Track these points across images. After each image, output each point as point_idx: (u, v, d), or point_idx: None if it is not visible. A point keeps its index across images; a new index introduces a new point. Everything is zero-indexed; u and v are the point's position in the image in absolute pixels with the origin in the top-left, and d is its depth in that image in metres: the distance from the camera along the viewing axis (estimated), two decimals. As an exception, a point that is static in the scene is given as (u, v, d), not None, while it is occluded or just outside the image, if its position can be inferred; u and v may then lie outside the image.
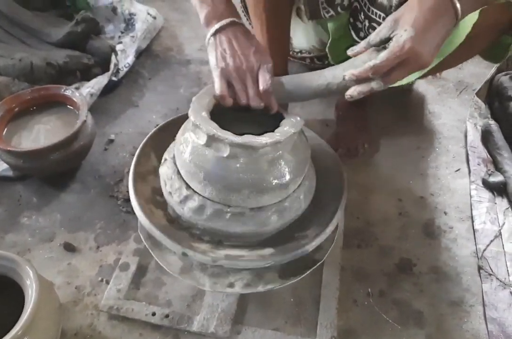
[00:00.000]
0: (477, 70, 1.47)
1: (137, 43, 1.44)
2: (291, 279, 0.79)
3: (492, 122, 1.23)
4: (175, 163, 0.77)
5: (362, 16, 0.87)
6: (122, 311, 0.86)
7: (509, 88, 1.25)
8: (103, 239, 1.00)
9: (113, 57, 1.35)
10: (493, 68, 1.34)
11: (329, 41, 0.99)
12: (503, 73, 1.32)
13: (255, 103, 0.73)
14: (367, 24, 0.86)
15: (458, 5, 0.62)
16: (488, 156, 1.18)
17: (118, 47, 1.39)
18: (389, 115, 1.33)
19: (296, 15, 1.19)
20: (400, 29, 0.61)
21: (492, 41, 0.83)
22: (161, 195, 0.80)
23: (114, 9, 1.52)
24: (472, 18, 0.70)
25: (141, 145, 0.86)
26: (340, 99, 1.28)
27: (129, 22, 1.50)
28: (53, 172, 1.08)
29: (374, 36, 0.64)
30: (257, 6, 0.95)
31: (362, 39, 0.90)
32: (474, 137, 1.23)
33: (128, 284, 0.90)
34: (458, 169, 1.18)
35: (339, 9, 0.91)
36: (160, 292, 0.91)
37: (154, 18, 1.53)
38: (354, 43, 0.93)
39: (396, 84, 0.68)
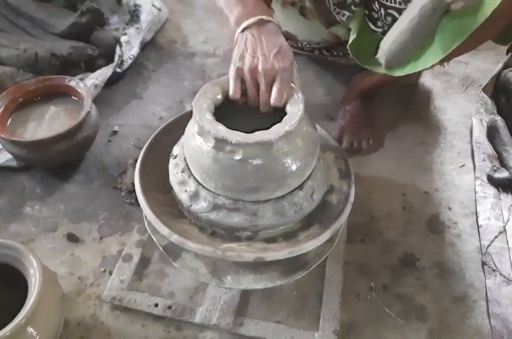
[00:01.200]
0: (484, 66, 1.46)
1: (141, 35, 1.43)
2: (295, 276, 0.79)
3: (498, 118, 1.22)
4: (185, 161, 0.76)
5: (377, 5, 0.86)
6: (125, 302, 0.86)
7: (515, 84, 1.24)
8: (106, 230, 1.00)
9: (117, 48, 1.34)
10: (500, 63, 1.33)
11: (352, 39, 0.97)
12: (510, 68, 1.31)
13: (265, 110, 0.73)
14: (383, 12, 0.84)
15: None
16: (494, 152, 1.17)
17: (123, 39, 1.38)
18: (394, 110, 1.32)
19: (300, 14, 1.17)
20: None
21: (509, 22, 0.81)
22: (169, 189, 0.80)
23: (118, 0, 1.51)
24: None
25: (150, 139, 0.86)
26: (346, 93, 1.27)
27: (134, 14, 1.49)
28: (57, 162, 1.08)
29: None
30: None
31: (380, 28, 0.89)
32: (480, 133, 1.22)
33: (131, 275, 0.91)
34: (463, 165, 1.18)
35: (353, 7, 0.90)
36: (163, 284, 0.91)
37: (159, 10, 1.52)
38: (373, 34, 0.91)
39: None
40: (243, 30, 0.75)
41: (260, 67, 0.70)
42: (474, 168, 1.16)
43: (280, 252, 0.70)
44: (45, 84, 1.10)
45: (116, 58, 1.32)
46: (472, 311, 0.90)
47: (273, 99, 0.70)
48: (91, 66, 1.31)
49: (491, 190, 1.09)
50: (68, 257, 0.95)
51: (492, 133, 1.21)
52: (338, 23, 0.95)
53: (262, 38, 0.73)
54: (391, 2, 0.82)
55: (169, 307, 0.86)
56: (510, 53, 1.32)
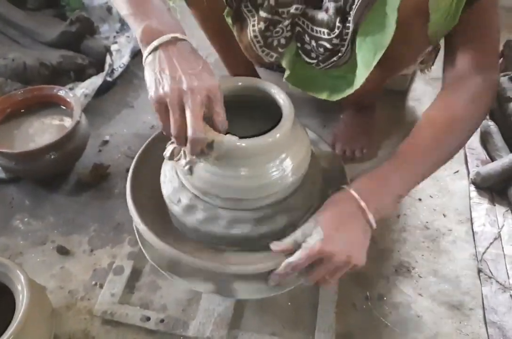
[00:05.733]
0: (475, 71, 1.46)
1: (132, 43, 1.42)
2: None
3: (491, 123, 1.22)
4: (176, 172, 0.74)
5: (308, 38, 0.85)
6: (116, 316, 0.85)
7: (508, 89, 1.24)
8: (97, 242, 0.99)
9: (107, 57, 1.34)
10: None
11: (287, 74, 0.94)
12: (502, 74, 1.31)
13: (193, 143, 0.59)
14: (314, 44, 0.84)
15: (370, 217, 0.67)
16: (487, 157, 1.17)
17: (113, 47, 1.38)
18: (386, 117, 1.31)
19: None
20: (315, 229, 0.65)
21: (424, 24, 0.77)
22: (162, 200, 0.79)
23: (109, 9, 1.50)
24: (395, 1, 0.69)
25: (141, 149, 0.85)
26: (347, 103, 1.25)
27: (124, 22, 1.48)
28: (46, 174, 1.06)
29: (301, 236, 0.67)
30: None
31: (314, 59, 0.88)
32: (473, 139, 1.22)
33: (123, 288, 0.89)
34: (457, 171, 1.17)
35: (279, 49, 0.88)
36: (155, 297, 0.90)
37: (150, 18, 1.51)
38: (308, 65, 0.90)
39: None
40: (154, 50, 0.62)
41: (185, 86, 0.58)
42: (468, 174, 1.15)
43: None
44: (34, 94, 1.08)
45: (107, 67, 1.32)
46: (468, 319, 0.89)
47: (220, 124, 0.62)
48: (81, 76, 1.30)
49: (486, 196, 1.09)
50: (58, 270, 0.93)
51: (485, 139, 1.20)
52: (267, 65, 0.93)
53: (179, 56, 0.62)
54: (321, 33, 0.82)
55: (162, 321, 0.84)
56: (501, 58, 1.32)
